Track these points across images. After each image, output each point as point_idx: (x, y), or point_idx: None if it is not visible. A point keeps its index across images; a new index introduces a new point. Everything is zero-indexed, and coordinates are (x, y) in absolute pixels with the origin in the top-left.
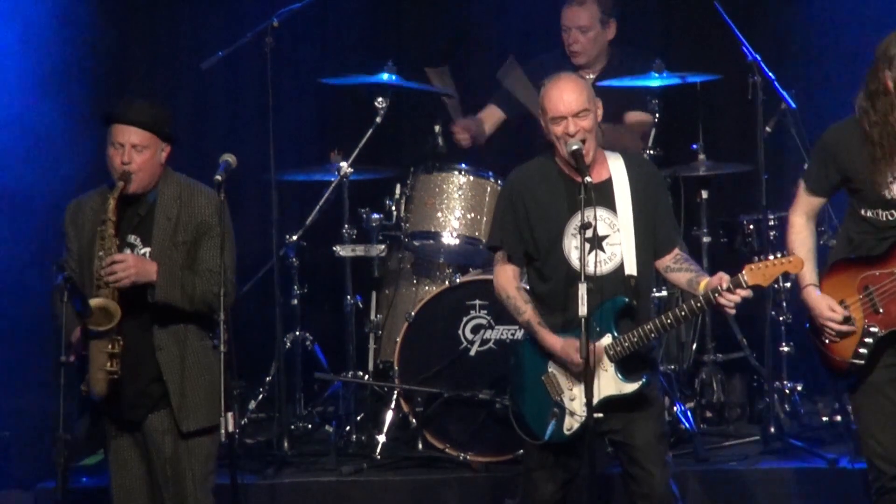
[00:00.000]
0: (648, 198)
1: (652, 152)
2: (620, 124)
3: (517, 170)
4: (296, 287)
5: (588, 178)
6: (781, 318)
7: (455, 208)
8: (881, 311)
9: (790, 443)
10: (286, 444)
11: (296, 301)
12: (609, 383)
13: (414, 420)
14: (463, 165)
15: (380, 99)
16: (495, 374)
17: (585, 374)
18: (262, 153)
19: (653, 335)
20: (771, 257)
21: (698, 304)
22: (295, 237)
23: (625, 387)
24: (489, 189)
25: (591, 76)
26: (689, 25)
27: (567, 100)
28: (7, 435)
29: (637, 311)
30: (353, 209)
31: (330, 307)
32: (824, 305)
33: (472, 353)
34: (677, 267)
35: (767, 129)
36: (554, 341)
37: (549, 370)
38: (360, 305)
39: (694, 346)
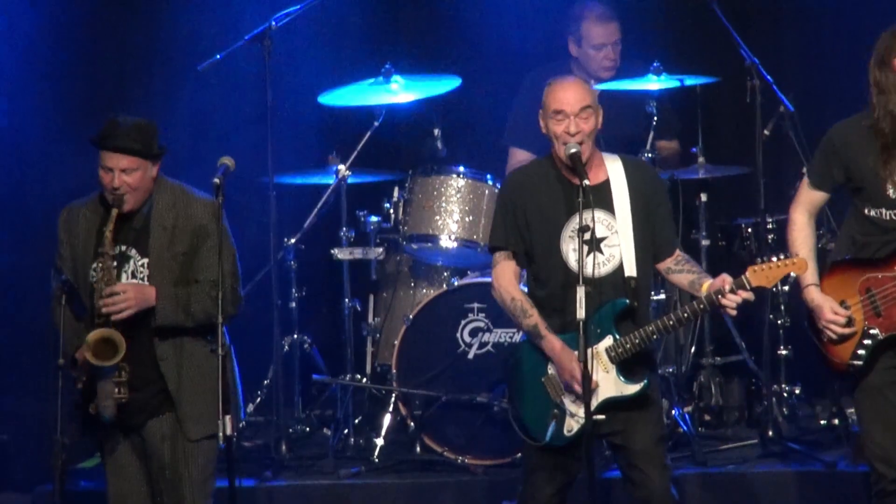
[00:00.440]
0: (647, 200)
1: (650, 155)
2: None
3: (514, 172)
4: (294, 290)
5: (586, 181)
6: (780, 322)
7: (453, 211)
8: (882, 314)
9: (788, 446)
10: (284, 448)
11: (294, 304)
12: (610, 385)
13: (412, 423)
14: (461, 168)
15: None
16: (493, 377)
17: (584, 378)
18: (260, 156)
19: (655, 336)
20: (774, 258)
21: (701, 306)
22: (293, 240)
23: (626, 388)
24: (487, 192)
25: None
26: (687, 28)
27: (571, 98)
28: (5, 438)
29: (637, 313)
30: (352, 212)
31: (328, 310)
32: (827, 308)
33: (471, 356)
34: (679, 268)
35: (766, 132)
36: (562, 350)
37: (550, 371)
38: (358, 308)
39: (692, 350)
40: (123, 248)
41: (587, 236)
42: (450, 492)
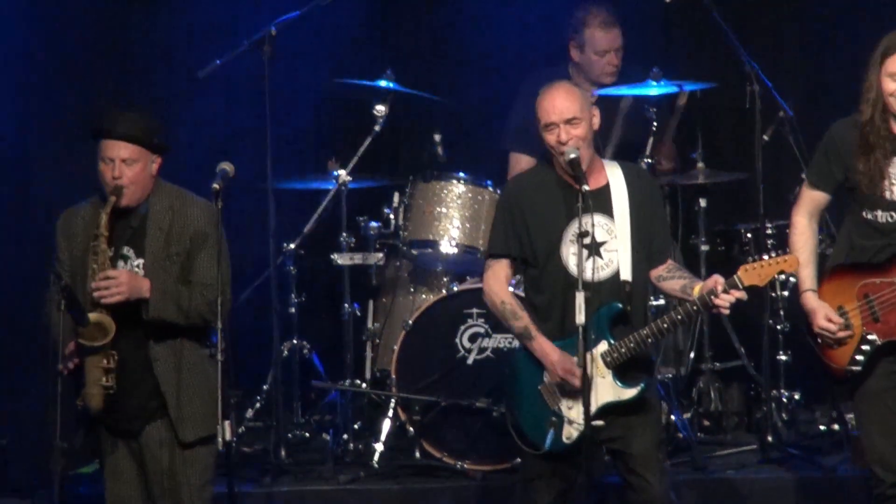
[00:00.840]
0: (645, 206)
1: (649, 161)
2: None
3: (515, 177)
4: (293, 295)
5: (585, 186)
6: (779, 327)
7: (453, 217)
8: (880, 319)
9: (788, 451)
10: (283, 453)
11: (293, 309)
12: (607, 390)
13: (411, 428)
14: (461, 174)
15: (378, 107)
16: (493, 382)
17: (584, 383)
18: (260, 161)
19: (649, 340)
20: (766, 257)
21: (694, 307)
22: (293, 245)
23: (623, 393)
24: (488, 198)
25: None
26: (686, 34)
27: (559, 107)
28: (4, 443)
29: (631, 317)
30: (352, 217)
31: (327, 315)
32: (821, 314)
33: (470, 361)
34: (670, 275)
35: (765, 137)
36: (551, 351)
37: (546, 379)
38: (358, 313)
39: (691, 355)
40: (120, 248)
41: (587, 241)
42: (449, 497)
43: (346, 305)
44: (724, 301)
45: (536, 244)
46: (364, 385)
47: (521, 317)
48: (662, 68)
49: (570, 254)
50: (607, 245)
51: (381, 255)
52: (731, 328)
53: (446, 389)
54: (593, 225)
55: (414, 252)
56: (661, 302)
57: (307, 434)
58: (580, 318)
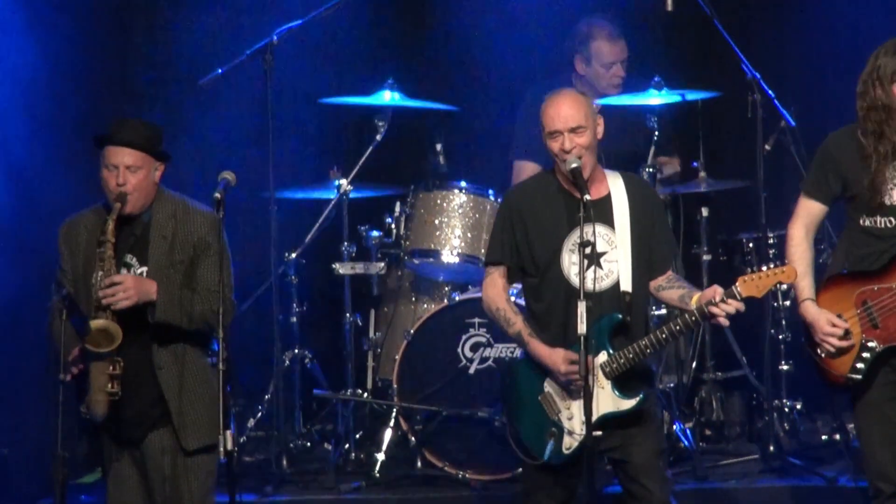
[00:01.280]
0: (646, 216)
1: (651, 170)
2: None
3: (517, 185)
4: (295, 305)
5: (587, 196)
6: (781, 337)
7: (455, 226)
8: (879, 326)
9: (789, 461)
10: (285, 462)
11: (295, 319)
12: (607, 400)
13: (413, 438)
14: (463, 183)
15: (379, 116)
16: (494, 392)
17: (585, 393)
18: (262, 171)
19: (648, 350)
20: (764, 268)
21: (693, 318)
22: (294, 255)
23: (623, 403)
24: (489, 207)
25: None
26: (688, 43)
27: (564, 115)
28: (6, 452)
29: (631, 328)
30: (353, 227)
31: (329, 325)
32: (824, 321)
33: (472, 371)
34: (669, 285)
35: (767, 146)
36: (543, 351)
37: (546, 389)
38: (359, 323)
39: (693, 365)
40: (123, 256)
41: (588, 250)
42: None
43: (348, 315)
44: (721, 311)
45: (536, 253)
46: (365, 395)
47: (513, 322)
48: (664, 77)
49: (570, 263)
50: (607, 255)
51: (382, 264)
52: (732, 338)
53: (448, 399)
54: (595, 235)
55: (415, 261)
56: (663, 311)
57: (309, 443)
58: (581, 327)
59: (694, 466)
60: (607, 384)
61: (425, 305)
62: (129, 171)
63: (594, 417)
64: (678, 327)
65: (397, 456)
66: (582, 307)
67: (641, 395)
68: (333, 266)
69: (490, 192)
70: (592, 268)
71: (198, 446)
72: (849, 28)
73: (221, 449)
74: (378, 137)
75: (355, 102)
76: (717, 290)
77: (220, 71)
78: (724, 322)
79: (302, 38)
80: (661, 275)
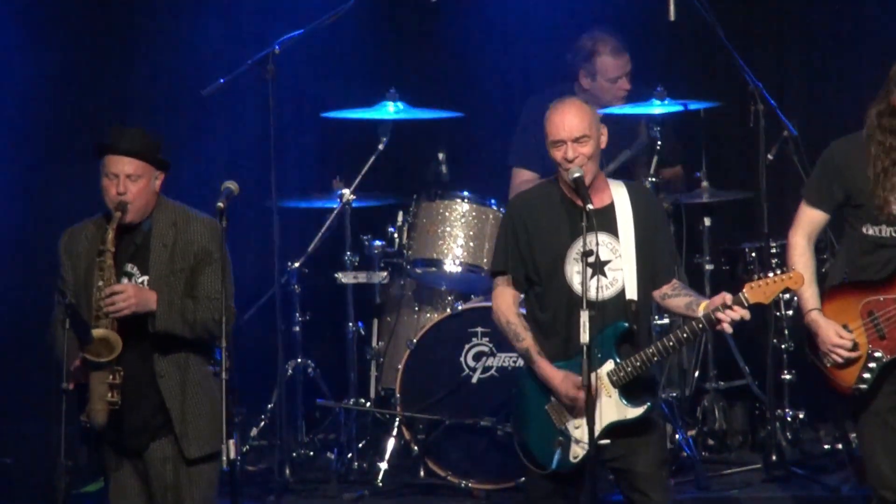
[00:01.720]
0: (649, 225)
1: (653, 180)
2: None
3: (519, 194)
4: (297, 314)
5: (590, 205)
6: (783, 346)
7: (458, 236)
8: (886, 336)
9: (792, 471)
10: (288, 472)
11: (297, 328)
12: (613, 409)
13: (415, 447)
14: (465, 193)
15: (382, 126)
16: (497, 401)
17: (588, 403)
18: (264, 180)
19: (655, 358)
20: (771, 274)
21: (699, 325)
22: (297, 264)
23: (629, 412)
24: (492, 216)
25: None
26: (690, 53)
27: (568, 125)
28: (8, 461)
29: (637, 336)
30: (356, 236)
31: (332, 334)
32: (832, 332)
33: (474, 380)
34: (675, 294)
35: (769, 156)
36: (553, 374)
37: (553, 399)
38: (362, 332)
39: (696, 374)
40: (123, 265)
41: (591, 259)
42: None
43: (351, 324)
44: (727, 317)
45: (540, 262)
46: (368, 404)
47: (523, 338)
48: (666, 87)
49: (573, 272)
50: (611, 264)
51: (385, 273)
52: (735, 347)
53: (450, 408)
54: (598, 244)
55: (418, 271)
56: (665, 321)
57: (311, 453)
58: (584, 337)
59: (696, 476)
60: (614, 392)
61: (428, 315)
62: (129, 179)
63: (601, 426)
64: (685, 335)
65: (400, 465)
66: (584, 316)
67: (649, 404)
68: (336, 275)
69: (492, 201)
70: (596, 277)
71: (200, 455)
72: (851, 38)
73: (224, 458)
74: (380, 147)
75: (357, 117)
76: (726, 297)
77: (222, 80)
78: (728, 329)
79: (304, 47)
80: (666, 283)
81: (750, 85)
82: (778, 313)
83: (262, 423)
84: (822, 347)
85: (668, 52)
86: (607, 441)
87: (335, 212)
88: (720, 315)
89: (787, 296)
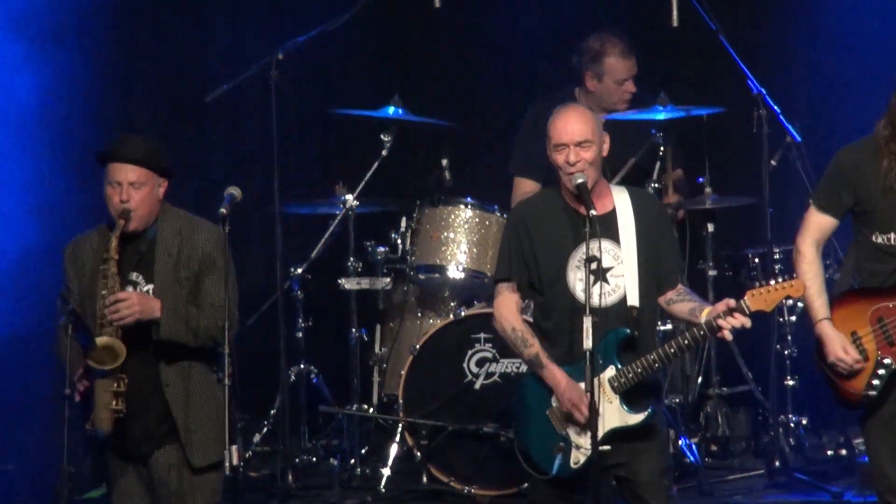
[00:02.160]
0: (653, 230)
1: (656, 185)
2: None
3: (521, 202)
4: (300, 320)
5: (593, 211)
6: (787, 352)
7: (461, 242)
8: (895, 343)
9: (795, 477)
10: (290, 478)
11: (300, 334)
12: (614, 415)
13: (418, 453)
14: (469, 199)
15: (385, 132)
16: (500, 407)
17: (591, 409)
18: (267, 186)
19: (657, 365)
20: (773, 282)
21: (701, 332)
22: (300, 270)
23: (630, 418)
24: (495, 222)
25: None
26: (694, 59)
27: (571, 129)
28: (11, 468)
29: (639, 342)
30: (359, 242)
31: (334, 340)
32: (838, 346)
33: (477, 386)
34: (679, 299)
35: (773, 162)
36: (559, 379)
37: (554, 404)
38: (365, 338)
39: (699, 380)
40: (128, 274)
41: (594, 266)
42: None
43: (354, 330)
44: (728, 324)
45: (542, 269)
46: (371, 410)
47: (531, 344)
48: (669, 93)
49: (576, 279)
50: (613, 271)
51: (388, 279)
52: (738, 353)
53: (453, 414)
54: (600, 250)
55: (421, 277)
56: (668, 327)
57: (314, 459)
58: (587, 342)
59: (699, 482)
60: (615, 399)
61: (431, 320)
62: (132, 187)
63: (602, 432)
64: (686, 341)
65: (403, 471)
66: (587, 322)
67: (650, 410)
68: (339, 281)
69: (496, 207)
70: (599, 283)
71: (205, 463)
72: (854, 43)
73: (227, 464)
74: (384, 153)
75: (361, 113)
76: (728, 303)
77: (225, 86)
78: (729, 336)
79: (307, 53)
80: (671, 289)
81: (753, 91)
82: (781, 319)
83: (265, 429)
84: (828, 358)
85: (671, 58)
86: (608, 447)
87: (338, 217)
88: (721, 322)
89: (790, 302)
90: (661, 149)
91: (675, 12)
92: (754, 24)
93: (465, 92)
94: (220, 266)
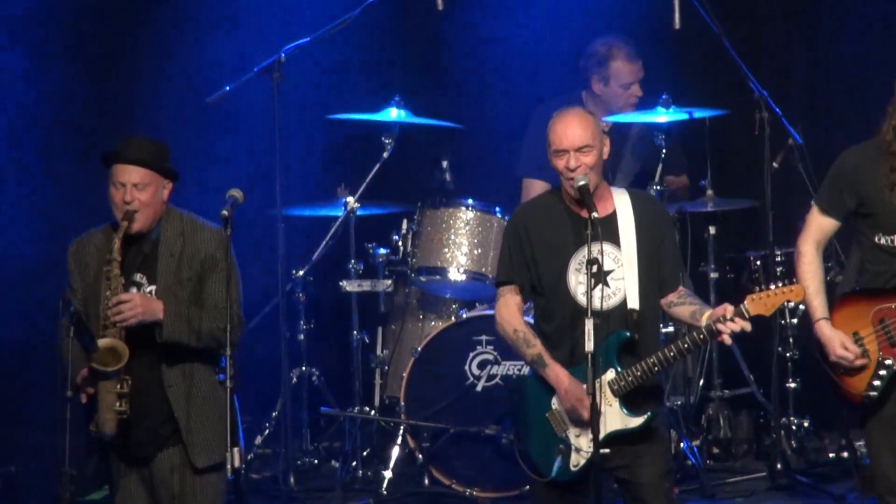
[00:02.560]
0: (653, 233)
1: (658, 188)
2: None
3: (522, 205)
4: (302, 322)
5: (595, 214)
6: (788, 355)
7: (462, 244)
8: None
9: (797, 479)
10: (292, 480)
11: (302, 336)
12: (614, 418)
13: (420, 455)
14: (470, 201)
15: (386, 134)
16: (502, 409)
17: (592, 411)
18: (269, 188)
19: (656, 368)
20: (773, 286)
21: (700, 336)
22: (301, 272)
23: (630, 421)
24: (496, 224)
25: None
26: (696, 61)
27: (570, 134)
28: (14, 470)
29: (639, 345)
30: (360, 244)
31: (336, 342)
32: (837, 343)
33: (479, 388)
34: (681, 301)
35: (775, 164)
36: (562, 379)
37: (554, 406)
38: (367, 340)
39: (701, 382)
40: (132, 275)
41: (594, 268)
42: None
43: (355, 332)
44: (727, 328)
45: (543, 271)
46: (373, 412)
47: (534, 344)
48: (672, 95)
49: (577, 282)
50: (614, 273)
51: (389, 282)
52: (740, 355)
53: (455, 416)
54: (602, 253)
55: (422, 279)
56: (670, 329)
57: (316, 461)
58: (589, 345)
59: (701, 484)
60: (615, 402)
61: (432, 323)
62: (136, 188)
63: (602, 435)
64: (686, 345)
65: (404, 473)
66: (589, 325)
67: (650, 414)
68: (341, 283)
69: (497, 209)
70: (599, 286)
71: (207, 464)
72: (856, 46)
73: (229, 466)
74: (385, 155)
75: (362, 118)
76: (727, 308)
77: (227, 88)
78: (728, 340)
79: (310, 55)
80: (672, 291)
81: (755, 93)
82: (783, 322)
83: (267, 432)
84: (830, 357)
85: (673, 60)
86: (607, 450)
87: (340, 220)
88: (720, 327)
89: (791, 304)
90: (664, 151)
91: (677, 15)
92: (756, 26)
93: (467, 94)
94: (223, 267)
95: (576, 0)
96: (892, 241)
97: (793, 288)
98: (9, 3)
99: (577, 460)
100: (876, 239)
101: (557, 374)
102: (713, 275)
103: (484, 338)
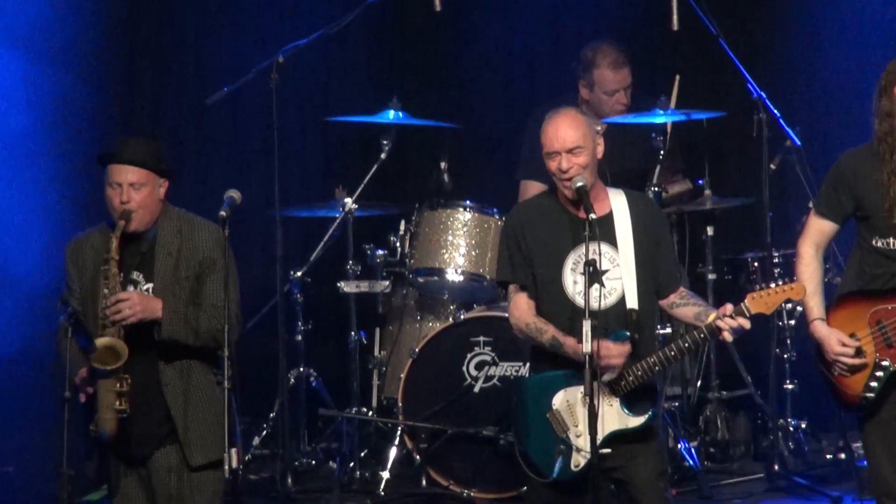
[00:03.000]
0: (650, 234)
1: (656, 189)
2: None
3: (518, 205)
4: (300, 323)
5: (592, 215)
6: (786, 356)
7: (460, 245)
8: (893, 345)
9: (794, 480)
10: (290, 481)
11: (300, 337)
12: (614, 418)
13: (418, 456)
14: (468, 202)
15: (384, 135)
16: (499, 410)
17: (590, 412)
18: (267, 189)
19: (657, 368)
20: (773, 285)
21: (701, 335)
22: (299, 273)
23: (631, 420)
24: (494, 226)
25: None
26: (694, 62)
27: (562, 136)
28: (11, 470)
29: (639, 345)
30: (358, 245)
31: (334, 343)
32: (834, 340)
33: (477, 389)
34: (684, 302)
35: (772, 166)
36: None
37: (554, 407)
38: (364, 341)
39: (698, 384)
40: (129, 273)
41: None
42: None
43: (353, 333)
44: (727, 324)
45: (539, 272)
46: (370, 413)
47: (545, 329)
48: (669, 97)
49: (572, 282)
50: (610, 274)
51: (387, 283)
52: (737, 357)
53: (453, 417)
54: (599, 253)
55: (420, 280)
56: (668, 330)
57: (314, 462)
58: (586, 346)
59: (699, 486)
60: (615, 401)
61: (430, 324)
62: (132, 188)
63: (602, 435)
64: (686, 344)
65: (402, 474)
66: (587, 326)
67: (650, 413)
68: (338, 284)
69: (495, 210)
70: (596, 286)
71: (204, 462)
72: (855, 47)
73: (226, 467)
74: (383, 156)
75: (360, 120)
76: (728, 307)
77: (226, 89)
78: (728, 337)
79: (308, 56)
80: (672, 292)
81: (753, 94)
82: (780, 323)
83: (265, 432)
84: (827, 357)
85: (671, 62)
86: (608, 450)
87: (338, 221)
88: (720, 323)
89: (789, 305)
90: (661, 152)
91: (675, 16)
92: (754, 27)
93: (465, 95)
94: (221, 266)
95: (574, 1)
96: (889, 244)
97: (793, 286)
98: (9, 3)
99: (578, 460)
100: (873, 242)
101: (575, 346)
102: (711, 276)
103: (482, 339)
